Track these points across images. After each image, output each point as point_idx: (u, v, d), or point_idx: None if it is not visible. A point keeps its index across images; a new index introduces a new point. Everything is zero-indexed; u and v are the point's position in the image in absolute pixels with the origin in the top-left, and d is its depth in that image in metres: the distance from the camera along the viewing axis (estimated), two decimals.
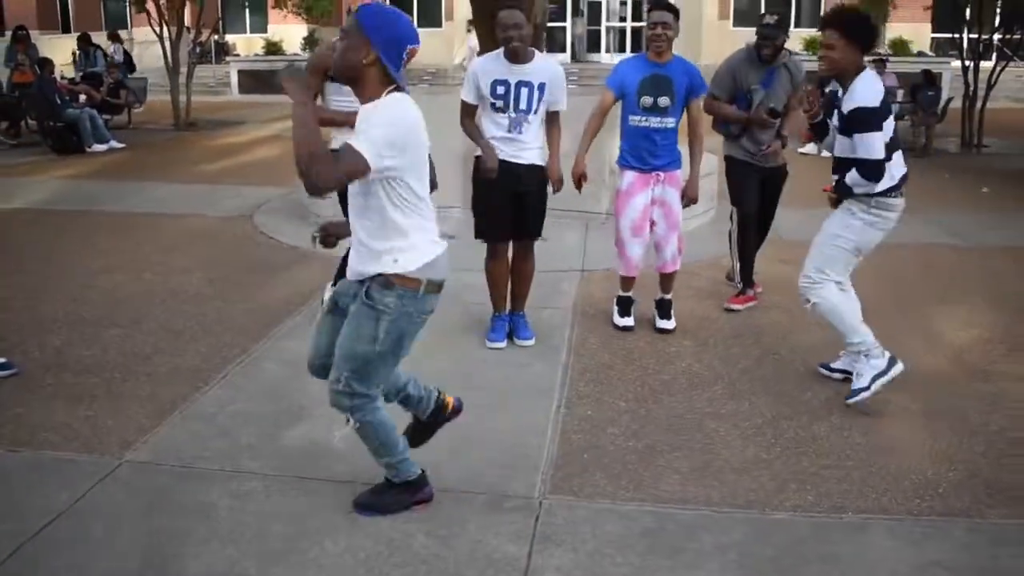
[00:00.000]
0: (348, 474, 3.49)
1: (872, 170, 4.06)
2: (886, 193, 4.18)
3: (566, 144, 4.99)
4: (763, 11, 28.82)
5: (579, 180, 5.02)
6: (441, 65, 23.74)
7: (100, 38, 18.90)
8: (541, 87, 4.65)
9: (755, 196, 5.69)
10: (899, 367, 4.19)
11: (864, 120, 4.02)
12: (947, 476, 3.56)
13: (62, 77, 15.36)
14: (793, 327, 5.28)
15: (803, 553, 3.06)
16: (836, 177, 4.26)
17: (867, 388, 4.15)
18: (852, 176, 4.12)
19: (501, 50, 4.66)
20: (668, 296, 5.29)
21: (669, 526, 3.19)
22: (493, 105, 4.67)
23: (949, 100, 14.31)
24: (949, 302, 5.91)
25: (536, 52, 4.73)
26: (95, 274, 6.36)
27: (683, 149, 5.24)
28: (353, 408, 3.03)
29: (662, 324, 5.24)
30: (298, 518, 3.19)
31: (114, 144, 13.15)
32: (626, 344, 5.03)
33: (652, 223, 5.13)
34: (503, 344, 4.94)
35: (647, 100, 4.91)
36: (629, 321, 5.26)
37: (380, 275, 2.93)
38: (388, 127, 2.78)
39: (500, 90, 4.63)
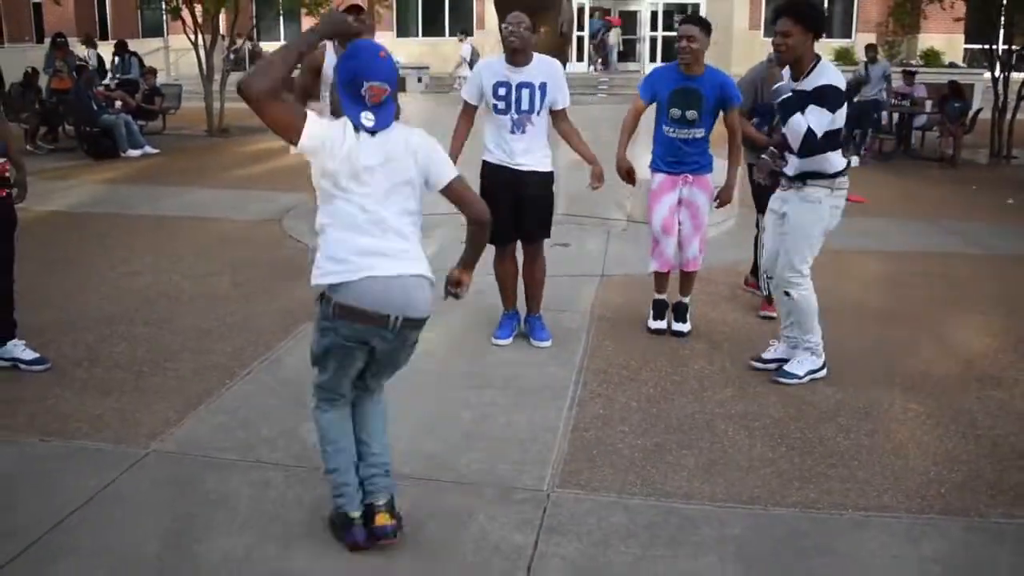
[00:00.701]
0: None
1: (810, 141, 4.28)
2: (842, 173, 4.46)
3: (570, 151, 5.09)
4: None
5: (627, 174, 5.18)
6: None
7: (137, 46, 19.25)
8: (543, 87, 4.76)
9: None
10: (826, 371, 4.64)
11: (830, 98, 4.26)
12: (950, 477, 3.62)
13: (99, 83, 15.67)
14: None
15: (801, 547, 3.14)
16: (807, 162, 4.43)
17: (800, 378, 4.55)
18: (797, 122, 4.29)
19: (503, 54, 4.82)
20: (685, 300, 5.38)
21: (672, 519, 3.28)
22: (495, 107, 4.80)
23: (978, 111, 14.25)
24: (965, 310, 5.96)
25: (534, 53, 4.84)
26: (127, 275, 6.55)
27: (714, 152, 5.31)
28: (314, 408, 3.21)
29: (677, 327, 5.33)
30: (315, 506, 3.32)
31: (148, 149, 13.44)
32: (641, 346, 5.12)
33: (680, 223, 5.23)
34: (508, 341, 5.06)
35: (675, 112, 5.01)
36: (661, 324, 5.36)
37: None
38: (331, 128, 2.90)
39: (502, 91, 4.77)
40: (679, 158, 5.12)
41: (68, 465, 3.61)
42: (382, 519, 3.03)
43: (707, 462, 3.75)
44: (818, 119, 4.25)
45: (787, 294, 4.57)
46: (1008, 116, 13.67)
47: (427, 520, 3.23)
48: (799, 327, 4.60)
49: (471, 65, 20.33)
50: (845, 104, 4.36)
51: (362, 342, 2.96)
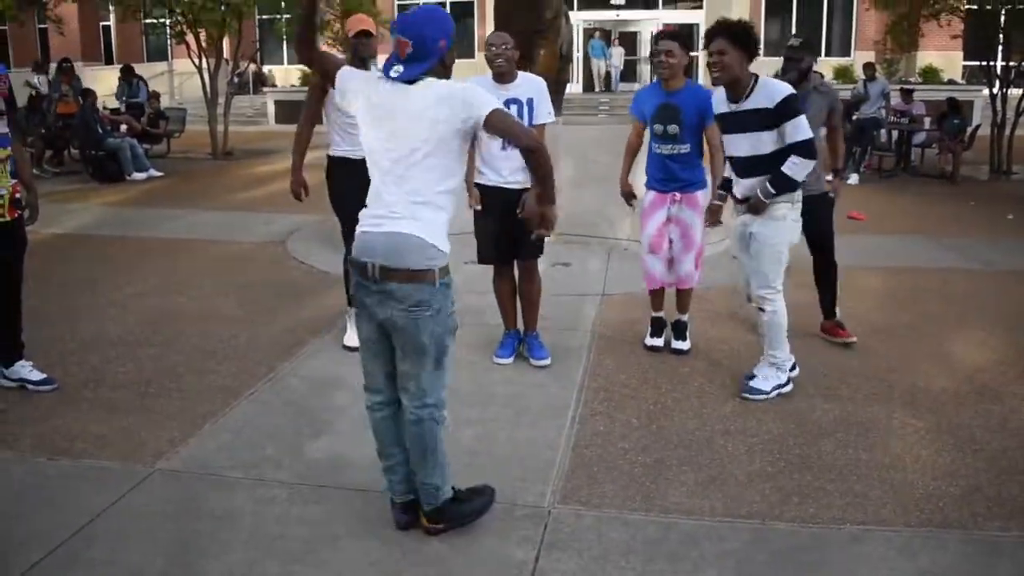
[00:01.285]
0: (367, 483, 3.65)
1: (810, 147, 4.39)
2: (802, 185, 4.54)
3: (571, 170, 5.15)
4: (787, 54, 28.80)
5: (628, 197, 5.34)
6: None
7: (142, 70, 19.42)
8: (530, 102, 4.84)
9: None
10: (791, 386, 4.70)
11: (794, 105, 4.38)
12: (948, 491, 3.65)
13: (104, 107, 15.83)
14: (804, 349, 5.38)
15: (800, 561, 3.17)
16: (761, 178, 4.48)
17: (767, 394, 4.61)
18: (794, 163, 4.39)
19: (491, 73, 4.88)
20: (684, 317, 5.42)
21: (672, 534, 3.32)
22: None
23: (976, 128, 14.33)
24: (964, 325, 5.99)
25: (518, 71, 4.91)
26: (132, 296, 6.61)
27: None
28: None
29: (677, 345, 5.37)
30: (317, 523, 3.36)
31: (153, 172, 13.55)
32: (642, 364, 5.16)
33: (671, 241, 5.28)
34: (509, 360, 5.10)
35: (659, 128, 5.08)
36: (658, 341, 5.40)
37: None
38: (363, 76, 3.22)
39: None
40: (667, 175, 5.16)
41: (75, 483, 3.66)
42: (423, 521, 3.28)
43: (707, 478, 3.78)
44: (803, 128, 4.38)
45: (762, 310, 4.62)
46: (1007, 132, 13.75)
47: (429, 536, 3.27)
48: (768, 342, 4.67)
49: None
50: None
51: (363, 306, 3.12)
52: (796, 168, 4.40)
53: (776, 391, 4.63)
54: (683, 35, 5.23)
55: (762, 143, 4.46)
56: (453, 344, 3.16)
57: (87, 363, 5.12)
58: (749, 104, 4.44)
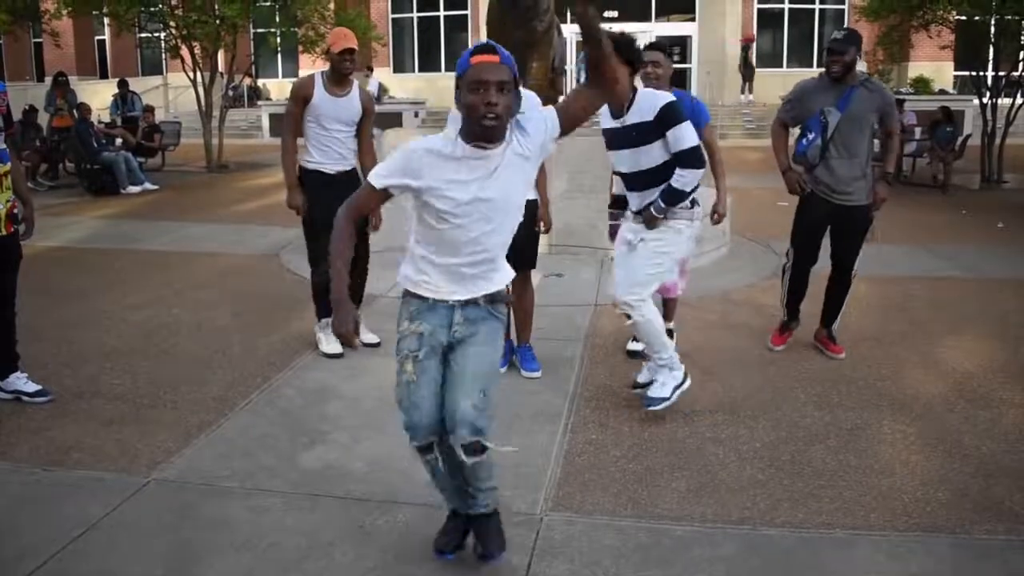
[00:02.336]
0: (361, 493, 3.70)
1: (697, 155, 4.33)
2: (696, 202, 4.50)
3: (563, 182, 5.20)
4: (785, 55, 29.48)
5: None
6: None
7: (136, 84, 19.50)
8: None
9: (817, 241, 5.41)
10: (689, 380, 4.58)
11: (675, 112, 4.31)
12: (936, 495, 3.69)
13: (99, 121, 15.89)
14: (796, 357, 5.44)
15: (790, 566, 3.21)
16: (651, 193, 4.42)
17: (668, 398, 4.47)
18: (681, 175, 4.32)
19: None
20: (670, 325, 5.44)
21: (663, 540, 3.35)
22: None
23: (967, 137, 14.43)
24: (954, 332, 6.04)
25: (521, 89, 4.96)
26: (127, 308, 6.64)
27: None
28: (488, 429, 2.98)
29: None
30: (312, 531, 3.39)
31: (148, 186, 13.60)
32: (633, 373, 5.19)
33: None
34: (502, 370, 5.12)
35: None
36: (638, 346, 5.42)
37: (495, 291, 3.02)
38: None
39: None
40: None
41: (71, 494, 3.68)
42: None
43: (698, 485, 3.81)
44: (688, 136, 4.32)
45: (628, 316, 4.46)
46: (998, 141, 13.84)
47: (424, 543, 3.29)
48: (649, 347, 4.55)
49: (378, 99, 20.69)
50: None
51: None
52: (684, 180, 4.32)
53: (677, 391, 4.48)
54: (667, 46, 5.29)
55: (648, 156, 4.38)
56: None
57: (82, 375, 5.14)
58: (631, 118, 4.38)
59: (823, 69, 5.27)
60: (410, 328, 2.96)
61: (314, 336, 5.63)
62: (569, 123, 2.84)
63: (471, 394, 2.89)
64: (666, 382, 4.50)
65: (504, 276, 3.05)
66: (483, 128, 2.67)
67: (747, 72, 25.78)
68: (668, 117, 4.30)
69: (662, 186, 4.40)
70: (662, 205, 4.39)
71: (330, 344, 5.49)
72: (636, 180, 4.50)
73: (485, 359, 2.97)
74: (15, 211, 4.57)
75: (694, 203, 4.50)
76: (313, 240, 5.44)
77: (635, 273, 4.43)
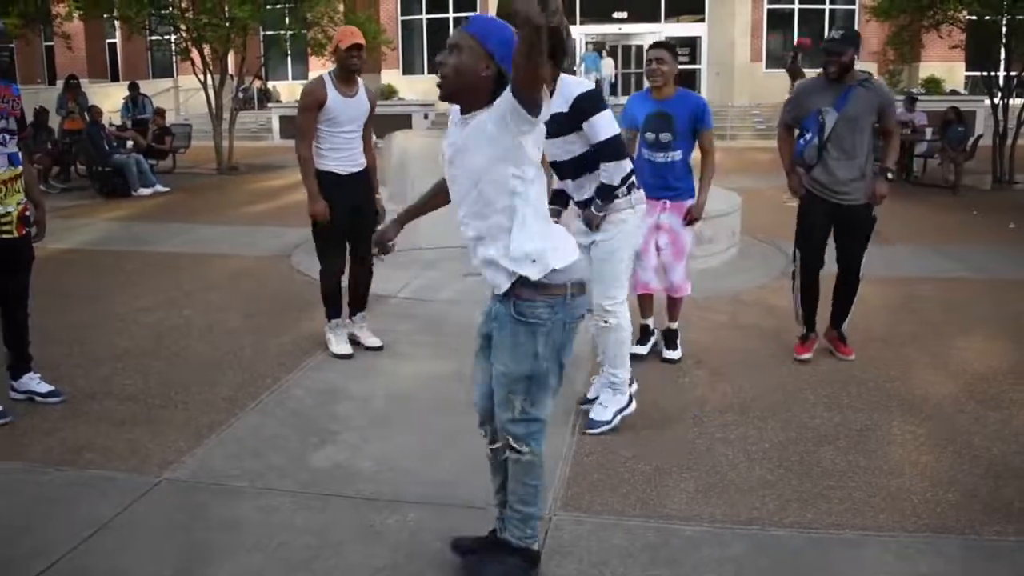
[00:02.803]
0: (371, 492, 3.71)
1: (615, 146, 4.10)
2: (633, 186, 4.29)
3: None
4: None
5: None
6: None
7: (147, 86, 19.59)
8: None
9: (821, 244, 5.37)
10: (633, 406, 4.42)
11: (591, 101, 4.03)
12: (946, 496, 3.69)
13: (110, 124, 15.97)
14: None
15: (799, 566, 3.21)
16: (585, 182, 4.27)
17: (609, 422, 4.32)
18: (604, 169, 4.14)
19: None
20: (674, 326, 5.44)
21: (672, 540, 3.35)
22: None
23: (979, 137, 14.38)
24: (965, 334, 6.02)
25: None
26: (139, 310, 6.67)
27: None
28: (528, 436, 2.92)
29: (667, 354, 5.40)
30: (321, 531, 3.41)
31: (159, 188, 13.66)
32: (642, 374, 5.18)
33: (659, 249, 5.32)
34: None
35: (651, 136, 5.13)
36: (642, 349, 5.42)
37: (523, 284, 2.82)
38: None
39: None
40: (660, 183, 5.18)
41: (83, 493, 3.70)
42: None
43: (707, 485, 3.82)
44: (606, 124, 4.06)
45: (606, 322, 4.34)
46: (1009, 142, 13.80)
47: (434, 542, 3.31)
48: (608, 359, 4.40)
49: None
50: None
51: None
52: (609, 173, 4.16)
53: (618, 416, 4.35)
54: (674, 45, 5.30)
55: (571, 146, 4.19)
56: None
57: (94, 375, 5.17)
58: (553, 108, 4.26)
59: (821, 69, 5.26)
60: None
61: (324, 337, 5.64)
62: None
63: (498, 399, 2.92)
64: (608, 404, 4.38)
65: (518, 269, 2.80)
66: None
67: (793, 74, 25.59)
68: (582, 107, 4.04)
69: (594, 174, 4.23)
70: (599, 203, 4.24)
71: (340, 345, 5.52)
72: (563, 170, 4.34)
73: (505, 365, 2.87)
74: (27, 214, 4.60)
75: (631, 188, 4.29)
76: (322, 240, 5.47)
77: (601, 277, 4.27)
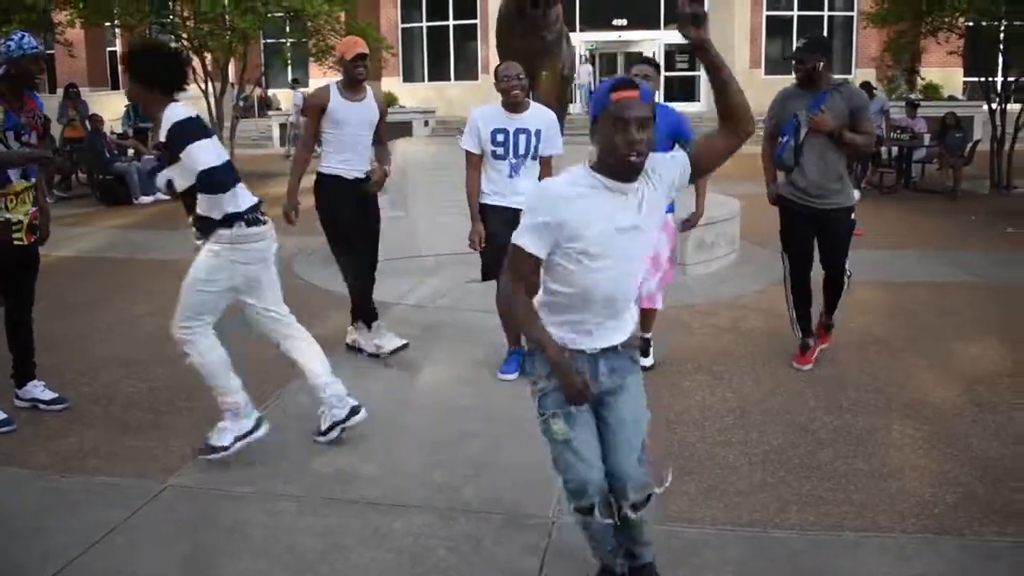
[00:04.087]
0: (375, 496, 3.75)
1: (207, 182, 3.88)
2: (236, 222, 4.01)
3: None
4: (792, 56, 29.08)
5: None
6: None
7: None
8: (538, 133, 4.98)
9: (807, 248, 5.41)
10: (264, 429, 4.15)
11: (182, 133, 3.86)
12: (944, 498, 3.72)
13: (111, 132, 16.02)
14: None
15: (800, 567, 3.25)
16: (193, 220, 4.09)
17: (227, 448, 4.04)
18: (202, 201, 3.97)
19: (499, 101, 5.00)
20: (647, 335, 5.40)
21: (674, 542, 3.39)
22: (494, 152, 5.01)
23: (976, 142, 14.43)
24: (963, 338, 6.06)
25: (530, 101, 5.04)
26: (141, 317, 6.70)
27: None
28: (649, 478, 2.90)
29: (641, 361, 5.43)
30: (327, 534, 3.44)
31: (160, 196, 13.63)
32: (644, 378, 5.22)
33: None
34: (513, 376, 5.18)
35: None
36: (646, 361, 5.41)
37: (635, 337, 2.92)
38: None
39: (500, 137, 4.97)
40: None
41: (89, 499, 3.74)
42: None
43: (708, 487, 3.85)
44: (199, 155, 3.86)
45: (186, 354, 4.13)
46: (1007, 147, 13.85)
47: (437, 546, 3.35)
48: (213, 388, 4.14)
49: (303, 112, 20.89)
50: (207, 134, 3.96)
51: None
52: (202, 206, 3.98)
53: (240, 441, 4.06)
54: (655, 61, 5.44)
55: (180, 178, 4.00)
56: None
57: (98, 382, 5.21)
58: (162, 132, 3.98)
59: None
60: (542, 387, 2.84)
61: (347, 339, 5.75)
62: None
63: (634, 452, 2.82)
64: (223, 432, 4.07)
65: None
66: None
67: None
68: (172, 142, 3.87)
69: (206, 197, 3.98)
70: (197, 233, 4.10)
71: (389, 340, 5.65)
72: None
73: (636, 414, 2.88)
74: (35, 221, 4.65)
75: (230, 224, 4.01)
76: (336, 244, 5.56)
77: (182, 303, 4.13)
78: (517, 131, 4.97)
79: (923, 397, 4.92)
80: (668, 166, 2.73)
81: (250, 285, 4.21)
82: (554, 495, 3.74)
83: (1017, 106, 13.98)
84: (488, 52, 26.70)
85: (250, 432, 4.09)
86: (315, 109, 5.38)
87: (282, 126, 23.90)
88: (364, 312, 5.66)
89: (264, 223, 4.12)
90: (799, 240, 5.41)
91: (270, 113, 25.75)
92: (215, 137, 4.06)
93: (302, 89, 22.38)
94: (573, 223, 2.59)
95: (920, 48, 18.34)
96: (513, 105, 4.96)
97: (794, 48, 5.36)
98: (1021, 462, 4.07)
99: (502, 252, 4.99)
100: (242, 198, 4.04)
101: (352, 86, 5.39)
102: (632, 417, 2.83)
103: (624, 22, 28.19)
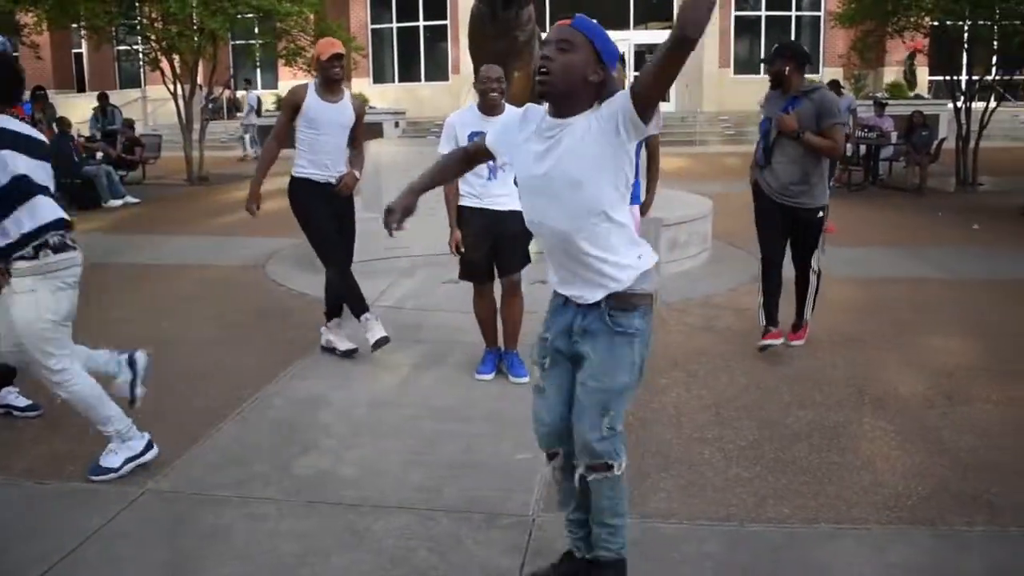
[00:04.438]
0: (355, 498, 3.75)
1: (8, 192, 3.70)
2: (52, 247, 3.80)
3: None
4: (762, 59, 29.36)
5: None
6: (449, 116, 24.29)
7: (115, 97, 19.48)
8: None
9: (774, 235, 5.55)
10: (154, 451, 4.06)
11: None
12: (916, 489, 3.79)
13: (79, 135, 15.86)
14: (779, 358, 5.54)
15: (777, 560, 3.29)
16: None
17: (117, 470, 3.93)
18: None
19: (475, 103, 5.01)
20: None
21: (652, 537, 3.42)
22: None
23: (943, 140, 14.65)
24: (932, 332, 6.17)
25: (505, 104, 5.06)
26: (114, 322, 6.66)
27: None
28: (618, 451, 2.82)
29: None
30: (307, 537, 3.44)
31: (129, 199, 13.59)
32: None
33: None
34: (490, 376, 5.20)
35: None
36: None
37: (620, 294, 2.75)
38: None
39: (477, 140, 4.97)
40: None
41: (67, 505, 3.71)
42: None
43: (685, 483, 3.90)
44: None
45: (58, 397, 3.94)
46: (972, 144, 14.06)
47: (418, 546, 3.36)
48: (92, 421, 3.99)
49: (258, 112, 21.04)
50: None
51: None
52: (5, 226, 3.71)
53: (130, 463, 3.96)
54: (621, 56, 5.46)
55: None
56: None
57: None
58: None
59: None
60: (539, 332, 2.94)
61: (303, 343, 5.68)
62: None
63: (589, 418, 2.78)
64: (117, 451, 3.97)
65: (628, 273, 2.74)
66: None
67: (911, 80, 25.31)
68: None
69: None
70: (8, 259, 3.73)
71: (342, 343, 5.63)
72: None
73: (600, 380, 2.77)
74: None
75: (38, 251, 3.75)
76: (315, 241, 5.55)
77: (26, 344, 3.80)
78: None
79: (894, 391, 4.99)
80: (609, 102, 2.63)
81: None
82: (534, 494, 3.78)
83: (982, 104, 14.20)
84: (459, 53, 26.71)
85: (141, 454, 4.01)
86: (290, 106, 5.37)
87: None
88: (342, 306, 5.65)
89: None
90: (767, 228, 5.58)
91: (239, 115, 25.60)
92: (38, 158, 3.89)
93: (254, 91, 22.34)
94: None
95: (885, 47, 18.56)
96: (489, 107, 4.98)
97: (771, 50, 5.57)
98: (991, 454, 4.15)
99: (481, 256, 5.05)
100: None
101: (328, 87, 5.39)
102: (592, 382, 2.76)
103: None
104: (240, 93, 20.41)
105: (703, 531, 3.48)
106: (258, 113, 22.00)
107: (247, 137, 21.71)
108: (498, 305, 5.26)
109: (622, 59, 5.39)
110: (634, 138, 2.61)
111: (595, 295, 2.76)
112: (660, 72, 2.47)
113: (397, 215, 3.10)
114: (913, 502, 3.68)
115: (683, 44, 2.40)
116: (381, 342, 5.42)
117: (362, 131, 5.63)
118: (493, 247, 5.05)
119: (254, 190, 5.55)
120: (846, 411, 4.70)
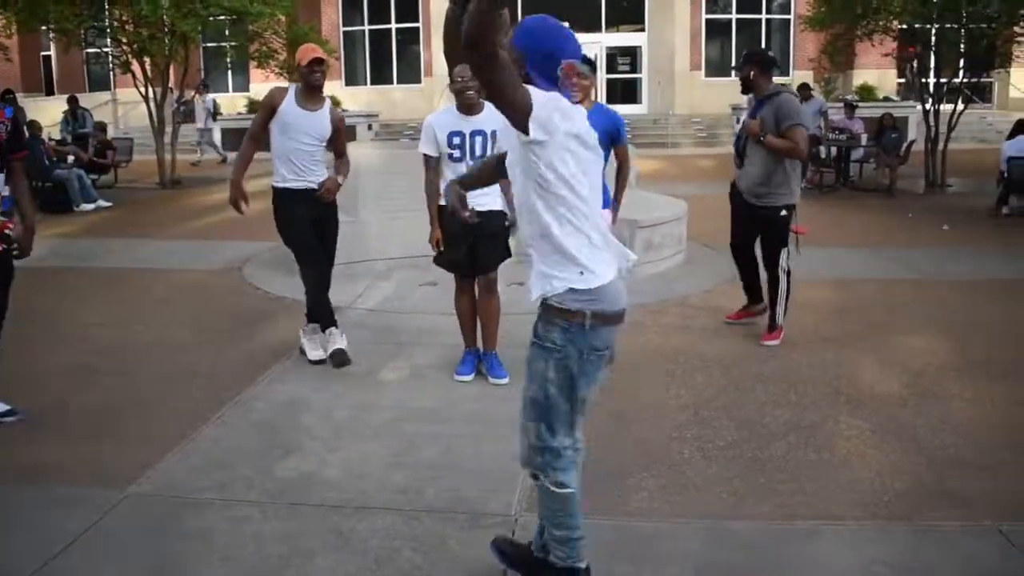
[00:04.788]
0: (338, 500, 3.76)
1: None
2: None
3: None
4: (733, 63, 29.97)
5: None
6: (422, 119, 24.24)
7: (85, 100, 19.31)
8: (494, 134, 4.99)
9: (737, 228, 6.12)
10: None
11: None
12: (893, 486, 3.86)
13: (49, 139, 15.70)
14: (756, 358, 5.61)
15: (757, 557, 3.34)
16: None
17: None
18: None
19: (454, 104, 5.03)
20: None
21: (633, 537, 3.46)
22: (451, 156, 5.00)
23: (911, 142, 14.83)
24: (905, 331, 6.25)
25: (484, 102, 5.07)
26: (89, 327, 6.62)
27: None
28: (545, 466, 2.85)
29: None
30: (291, 539, 3.45)
31: (101, 203, 13.47)
32: None
33: None
34: (469, 378, 5.23)
35: None
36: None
37: (546, 305, 2.74)
38: (539, 107, 2.65)
39: (456, 140, 4.99)
40: None
41: (49, 510, 3.69)
42: None
43: (665, 483, 3.94)
44: None
45: None
46: (940, 146, 14.25)
47: (402, 547, 3.38)
48: None
49: (214, 116, 20.91)
50: None
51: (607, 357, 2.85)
52: None
53: None
54: (593, 61, 5.61)
55: None
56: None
57: (50, 393, 5.13)
58: None
59: None
60: None
61: (280, 347, 5.68)
62: None
63: (521, 422, 2.92)
64: None
65: (548, 283, 2.73)
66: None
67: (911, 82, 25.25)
68: None
69: None
70: None
71: (313, 351, 5.60)
72: None
73: (526, 390, 2.87)
74: (6, 231, 4.60)
75: None
76: (298, 254, 5.55)
77: None
78: (473, 133, 5.00)
79: (869, 390, 5.07)
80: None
81: None
82: (516, 494, 3.81)
83: (950, 106, 14.40)
84: (431, 55, 26.71)
85: None
86: (267, 107, 5.34)
87: (223, 131, 23.63)
88: (318, 315, 5.64)
89: None
90: (734, 223, 6.15)
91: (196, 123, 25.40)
92: None
93: (211, 94, 22.16)
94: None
95: (855, 50, 18.76)
96: (467, 107, 5.00)
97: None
98: (963, 450, 4.24)
99: (456, 253, 5.06)
100: None
101: (309, 93, 5.38)
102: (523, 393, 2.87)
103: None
104: (196, 97, 20.16)
105: (683, 529, 3.52)
106: (214, 117, 21.73)
107: (202, 143, 21.39)
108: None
109: (591, 62, 5.46)
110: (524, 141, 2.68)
111: (534, 292, 2.81)
112: (482, 86, 2.61)
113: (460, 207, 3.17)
114: (889, 498, 3.75)
115: (473, 56, 2.49)
116: (338, 354, 5.48)
117: (343, 141, 5.62)
118: (472, 246, 5.07)
119: (237, 186, 5.44)
120: (822, 410, 4.77)
